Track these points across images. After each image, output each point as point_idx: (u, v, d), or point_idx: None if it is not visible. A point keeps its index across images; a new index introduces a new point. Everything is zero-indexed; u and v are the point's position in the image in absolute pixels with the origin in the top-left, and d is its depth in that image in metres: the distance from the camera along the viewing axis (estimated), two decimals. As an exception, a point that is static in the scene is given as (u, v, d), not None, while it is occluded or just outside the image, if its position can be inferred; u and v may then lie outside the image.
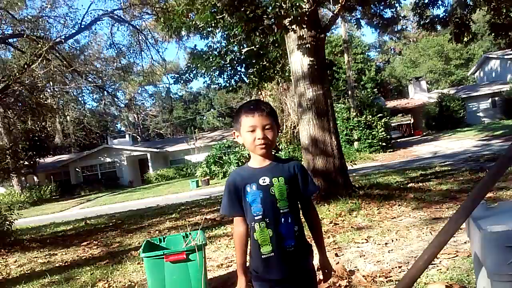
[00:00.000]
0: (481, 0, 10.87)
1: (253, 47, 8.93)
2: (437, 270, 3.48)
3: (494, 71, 36.28)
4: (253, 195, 1.85)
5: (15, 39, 17.90)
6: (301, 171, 1.96)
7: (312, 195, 2.05)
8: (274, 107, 2.02)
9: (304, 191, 1.95)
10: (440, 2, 11.25)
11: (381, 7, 10.18)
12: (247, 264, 1.96)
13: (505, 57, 32.79)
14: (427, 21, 11.76)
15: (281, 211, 1.84)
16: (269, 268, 1.84)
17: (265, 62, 9.99)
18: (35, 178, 34.76)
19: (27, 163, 26.06)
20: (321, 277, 2.07)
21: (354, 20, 10.53)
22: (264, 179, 1.86)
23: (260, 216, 1.84)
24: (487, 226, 1.52)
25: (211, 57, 9.18)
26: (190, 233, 3.84)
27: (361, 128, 23.30)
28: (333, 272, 3.73)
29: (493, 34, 13.66)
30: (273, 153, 1.98)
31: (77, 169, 35.74)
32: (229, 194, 1.92)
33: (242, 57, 9.57)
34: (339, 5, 7.70)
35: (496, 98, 31.56)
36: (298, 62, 7.87)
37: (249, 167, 1.95)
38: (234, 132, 2.01)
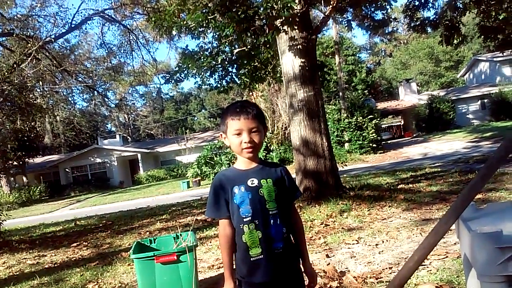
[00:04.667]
0: (471, 2, 10.97)
1: (245, 47, 8.91)
2: (427, 271, 3.50)
3: (483, 73, 36.67)
4: (241, 197, 1.83)
5: (4, 38, 17.76)
6: (287, 176, 1.97)
7: (296, 200, 2.05)
8: (264, 108, 2.02)
9: (290, 195, 1.96)
10: (430, 4, 11.34)
11: (372, 9, 10.24)
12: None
13: (494, 59, 33.15)
14: (417, 23, 11.86)
15: (270, 212, 1.83)
16: (257, 271, 1.82)
17: (257, 63, 9.98)
18: (24, 178, 34.45)
19: (16, 163, 25.89)
20: (306, 282, 2.05)
21: (345, 22, 10.54)
22: (253, 180, 1.85)
23: (250, 218, 1.81)
24: (477, 228, 1.53)
25: (202, 57, 9.13)
26: (181, 234, 3.82)
27: (351, 130, 23.39)
28: (324, 273, 3.75)
29: (482, 36, 13.83)
30: (259, 156, 1.98)
31: (67, 170, 35.48)
32: (215, 196, 1.89)
33: (233, 58, 9.54)
34: (331, 6, 7.72)
35: (485, 100, 31.87)
36: (290, 63, 7.89)
37: (236, 169, 1.93)
38: (221, 134, 1.99)
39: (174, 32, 9.76)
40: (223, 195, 1.87)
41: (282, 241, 1.84)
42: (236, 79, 10.22)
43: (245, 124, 1.84)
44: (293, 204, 2.00)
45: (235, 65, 9.85)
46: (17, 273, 5.88)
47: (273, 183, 1.87)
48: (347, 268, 3.98)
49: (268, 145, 24.80)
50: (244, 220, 1.82)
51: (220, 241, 1.93)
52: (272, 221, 1.83)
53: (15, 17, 18.00)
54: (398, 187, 8.65)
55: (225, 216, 1.87)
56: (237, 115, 1.85)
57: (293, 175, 5.30)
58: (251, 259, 1.82)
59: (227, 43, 8.96)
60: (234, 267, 1.90)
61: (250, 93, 21.96)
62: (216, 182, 1.91)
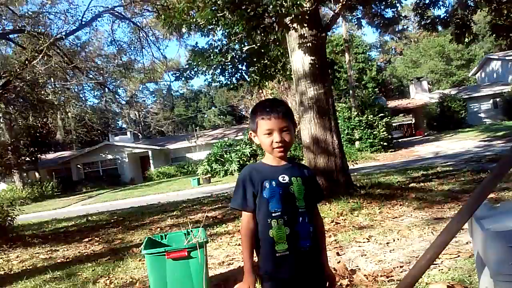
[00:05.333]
0: (482, 1, 10.84)
1: (254, 45, 8.91)
2: (439, 270, 3.48)
3: (495, 72, 36.27)
4: (272, 192, 1.83)
5: (16, 35, 17.91)
6: (314, 177, 2.00)
7: (320, 202, 2.06)
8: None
9: (316, 196, 1.97)
10: (441, 2, 11.24)
11: (382, 7, 10.17)
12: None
13: (506, 58, 32.79)
14: (428, 22, 11.75)
15: (299, 210, 1.84)
16: (283, 267, 1.81)
17: (266, 61, 9.98)
18: (37, 174, 34.81)
19: (29, 159, 26.12)
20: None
21: (355, 20, 10.50)
22: (284, 177, 1.86)
23: (279, 213, 1.81)
24: (490, 226, 1.52)
25: (212, 54, 9.15)
26: (191, 231, 3.85)
27: (362, 128, 23.29)
28: (334, 271, 3.75)
29: (494, 35, 13.66)
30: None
31: (78, 166, 35.77)
32: (243, 187, 1.87)
33: (243, 55, 9.56)
34: (340, 4, 7.71)
35: (498, 99, 31.55)
36: (299, 61, 7.87)
37: (265, 164, 1.93)
38: (250, 132, 1.99)
39: (183, 30, 9.78)
40: (251, 188, 1.86)
41: (309, 240, 1.85)
42: (246, 77, 10.23)
43: (276, 124, 1.84)
44: (316, 207, 2.01)
45: (244, 63, 9.87)
46: (30, 267, 5.96)
47: (302, 182, 1.88)
48: (357, 266, 3.98)
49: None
50: (273, 215, 1.82)
51: (242, 234, 1.90)
52: (300, 218, 1.84)
53: (26, 14, 18.13)
54: (410, 185, 8.61)
55: (251, 209, 1.86)
56: (267, 114, 1.85)
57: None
58: (277, 254, 1.81)
59: (236, 41, 8.97)
60: (256, 262, 1.90)
61: (260, 91, 21.97)
62: (245, 174, 1.90)
